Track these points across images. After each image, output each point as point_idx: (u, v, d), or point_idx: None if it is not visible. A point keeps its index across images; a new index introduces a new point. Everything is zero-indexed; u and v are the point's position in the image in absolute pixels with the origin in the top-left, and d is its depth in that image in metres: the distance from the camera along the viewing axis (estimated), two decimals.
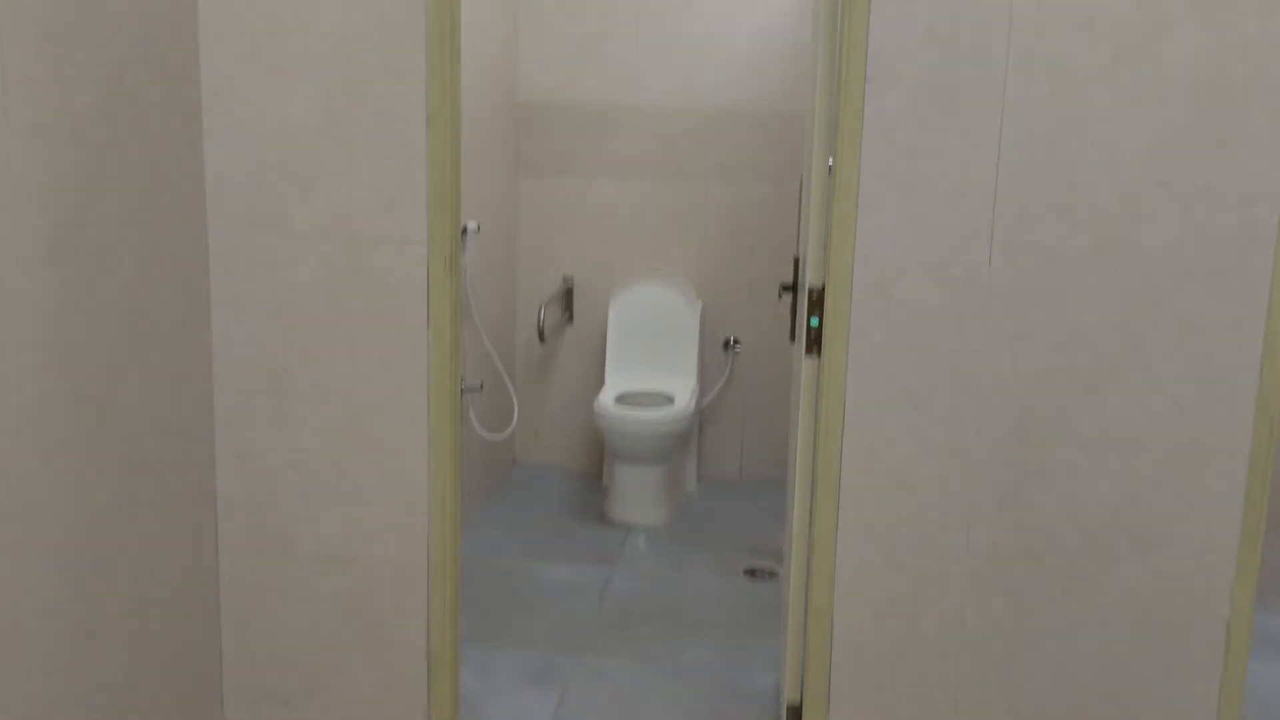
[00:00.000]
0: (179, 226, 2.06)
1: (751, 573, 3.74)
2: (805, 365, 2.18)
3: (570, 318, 4.60)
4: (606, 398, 4.09)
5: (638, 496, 4.11)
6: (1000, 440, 2.06)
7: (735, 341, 4.53)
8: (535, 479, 4.59)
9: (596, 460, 4.66)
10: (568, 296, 4.57)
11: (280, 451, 2.21)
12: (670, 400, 4.14)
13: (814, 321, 2.15)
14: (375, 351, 2.16)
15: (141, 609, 1.99)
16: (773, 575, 3.72)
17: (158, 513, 2.03)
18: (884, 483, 2.10)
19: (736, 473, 4.66)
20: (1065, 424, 2.04)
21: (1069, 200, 1.97)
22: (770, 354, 4.53)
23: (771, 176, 4.38)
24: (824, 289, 2.12)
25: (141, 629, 1.99)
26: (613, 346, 4.38)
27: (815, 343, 2.15)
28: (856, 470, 2.11)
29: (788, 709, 2.30)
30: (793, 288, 2.79)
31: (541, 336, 4.19)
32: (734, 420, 4.61)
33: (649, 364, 4.38)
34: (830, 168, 2.06)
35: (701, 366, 4.43)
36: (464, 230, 3.69)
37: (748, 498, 4.42)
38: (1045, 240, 1.99)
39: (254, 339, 2.17)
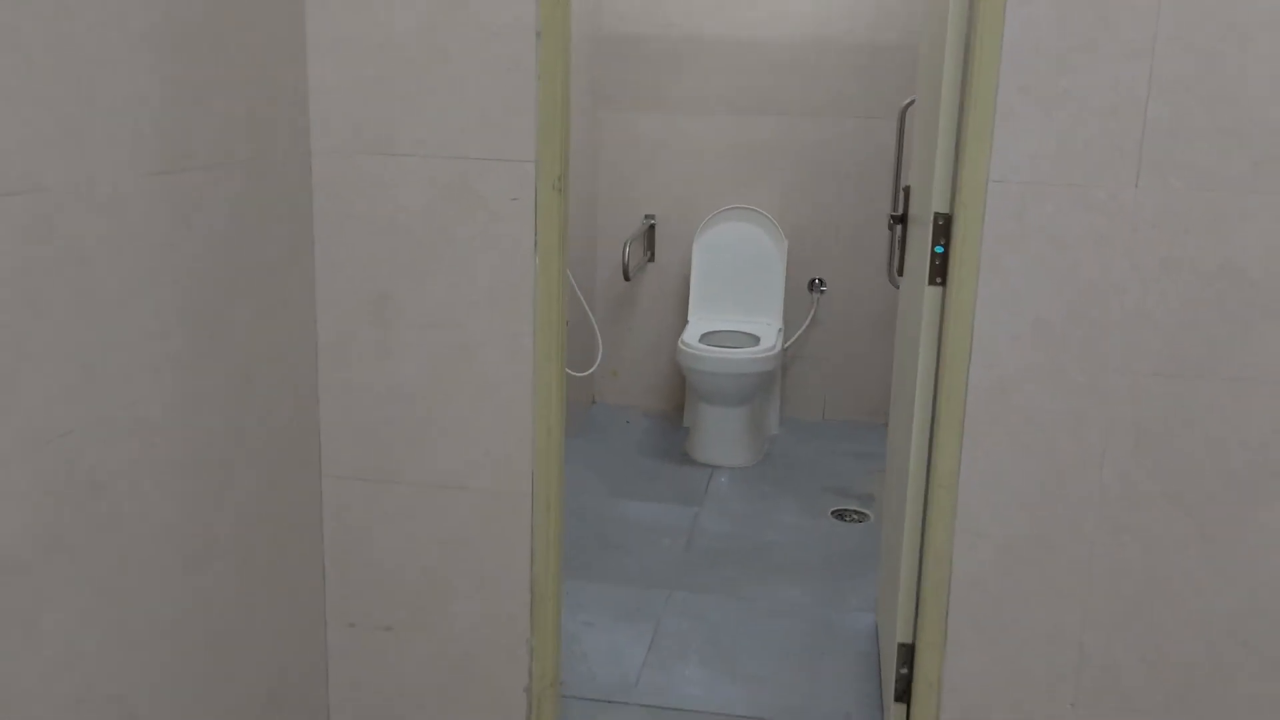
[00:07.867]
0: (283, 142, 1.99)
1: (840, 515, 3.66)
2: (927, 296, 2.07)
3: (652, 257, 4.51)
4: (691, 336, 4.01)
5: (722, 437, 4.04)
6: (1141, 376, 1.95)
7: (821, 283, 4.41)
8: (614, 418, 4.54)
9: (676, 401, 4.58)
10: (650, 235, 4.48)
11: (383, 381, 2.15)
12: (755, 340, 4.05)
13: (939, 249, 2.04)
14: (482, 279, 2.09)
15: (248, 533, 1.95)
16: (861, 518, 3.64)
17: (263, 437, 1.99)
18: (1012, 419, 2.00)
19: (820, 416, 4.56)
20: (1213, 359, 1.92)
21: (1230, 118, 1.83)
22: (856, 296, 4.40)
23: (861, 111, 4.23)
24: (951, 215, 2.01)
25: (248, 553, 1.96)
26: (696, 286, 4.29)
27: (940, 271, 2.04)
28: (982, 406, 2.01)
29: (899, 647, 2.23)
30: (902, 218, 2.67)
31: (626, 274, 4.10)
32: (817, 363, 4.51)
33: (733, 303, 4.28)
34: (965, 80, 1.94)
35: (786, 308, 4.32)
36: None
37: (832, 441, 4.33)
38: (1199, 161, 1.86)
39: (358, 263, 2.11)
